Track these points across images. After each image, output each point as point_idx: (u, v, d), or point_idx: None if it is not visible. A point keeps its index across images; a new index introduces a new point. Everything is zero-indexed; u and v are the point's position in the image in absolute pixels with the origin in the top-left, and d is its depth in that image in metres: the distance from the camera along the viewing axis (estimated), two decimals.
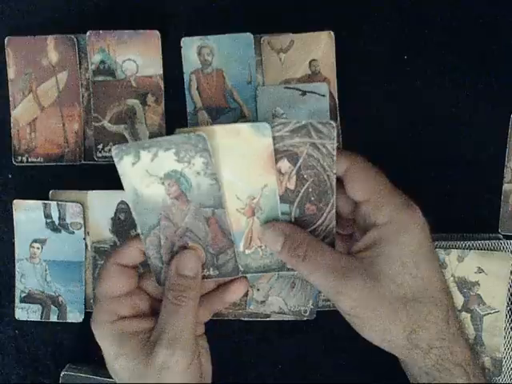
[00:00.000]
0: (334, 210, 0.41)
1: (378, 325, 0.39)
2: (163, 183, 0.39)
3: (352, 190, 0.41)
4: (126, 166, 0.39)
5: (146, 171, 0.39)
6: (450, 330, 0.39)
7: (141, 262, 0.42)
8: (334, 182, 0.40)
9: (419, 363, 0.39)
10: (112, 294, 0.42)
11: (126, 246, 0.42)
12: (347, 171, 0.41)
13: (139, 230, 0.41)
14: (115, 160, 0.38)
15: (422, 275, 0.39)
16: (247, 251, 0.42)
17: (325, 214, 0.41)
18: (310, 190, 0.40)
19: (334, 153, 0.39)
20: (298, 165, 0.40)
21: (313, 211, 0.41)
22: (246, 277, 0.45)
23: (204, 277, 0.42)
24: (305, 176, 0.40)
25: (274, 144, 0.39)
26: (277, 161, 0.40)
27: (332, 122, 0.38)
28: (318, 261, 0.39)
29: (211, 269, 0.42)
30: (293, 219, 0.41)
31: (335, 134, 0.39)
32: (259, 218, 0.41)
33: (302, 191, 0.40)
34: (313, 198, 0.40)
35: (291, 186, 0.40)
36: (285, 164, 0.40)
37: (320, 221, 0.41)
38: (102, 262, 0.51)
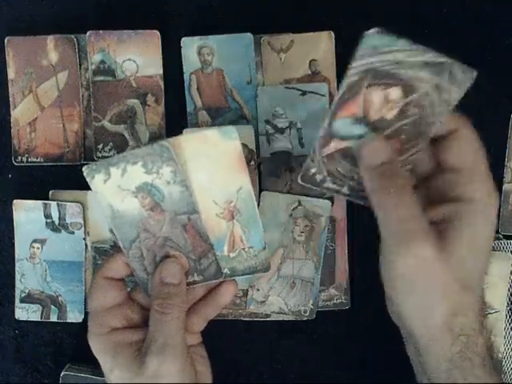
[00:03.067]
0: (414, 157, 0.38)
1: (425, 297, 0.37)
2: (136, 196, 0.40)
3: (451, 154, 0.38)
4: (98, 184, 0.39)
5: (118, 187, 0.39)
6: (480, 321, 0.38)
7: (128, 274, 0.43)
8: (432, 133, 0.37)
9: (445, 348, 0.37)
10: (103, 306, 0.42)
11: (112, 260, 0.43)
12: (455, 132, 0.38)
13: (121, 245, 0.41)
14: (87, 179, 0.39)
15: (480, 266, 0.38)
16: (231, 254, 0.42)
17: (403, 157, 0.38)
18: (405, 127, 0.36)
19: (455, 103, 0.36)
20: (409, 99, 0.36)
21: (395, 147, 0.37)
22: (233, 278, 0.44)
23: (189, 283, 0.43)
24: (409, 112, 0.36)
25: (398, 68, 0.34)
26: (389, 85, 0.35)
27: (474, 70, 0.35)
28: (406, 203, 0.36)
29: (195, 274, 0.42)
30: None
31: (469, 84, 0.35)
32: (239, 220, 0.41)
33: (396, 125, 0.36)
34: (403, 136, 0.37)
35: (388, 116, 0.36)
36: (396, 92, 0.36)
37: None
38: (102, 262, 0.51)
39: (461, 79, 0.35)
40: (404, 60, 0.34)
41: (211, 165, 0.39)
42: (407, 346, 0.41)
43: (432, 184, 0.39)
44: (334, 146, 0.38)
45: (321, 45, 0.50)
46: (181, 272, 0.41)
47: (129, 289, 0.45)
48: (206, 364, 0.44)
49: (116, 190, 0.39)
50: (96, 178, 0.39)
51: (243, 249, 0.42)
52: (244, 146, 0.49)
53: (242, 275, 0.43)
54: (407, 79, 0.35)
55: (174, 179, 0.39)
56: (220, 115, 0.51)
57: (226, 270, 0.43)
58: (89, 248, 0.52)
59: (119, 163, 0.39)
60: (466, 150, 0.38)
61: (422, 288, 0.37)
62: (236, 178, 0.39)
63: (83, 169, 0.39)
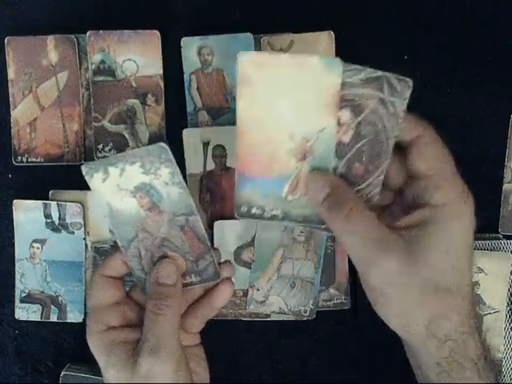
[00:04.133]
0: (382, 176, 0.38)
1: (402, 306, 0.37)
2: (135, 196, 0.40)
3: (417, 161, 0.38)
4: (97, 183, 0.39)
5: (117, 186, 0.39)
6: (469, 323, 0.38)
7: (126, 273, 0.43)
8: (392, 147, 0.37)
9: (432, 353, 0.38)
10: (100, 304, 0.42)
11: (110, 259, 0.43)
12: (418, 139, 0.38)
13: (119, 243, 0.41)
14: (86, 178, 0.39)
15: (460, 267, 0.37)
16: (290, 197, 0.39)
17: (371, 179, 0.38)
18: (364, 148, 0.37)
19: (401, 114, 0.36)
20: (360, 118, 0.36)
21: (360, 172, 0.38)
22: (230, 279, 0.44)
23: (186, 284, 0.42)
24: (363, 132, 0.37)
25: (341, 90, 0.35)
26: (339, 108, 0.36)
27: (409, 80, 0.36)
28: (361, 223, 0.36)
29: (192, 275, 0.42)
30: (337, 175, 0.38)
31: (408, 94, 0.36)
32: (310, 163, 0.37)
33: (355, 147, 0.37)
34: (364, 158, 0.37)
35: (346, 139, 0.37)
36: (346, 114, 0.36)
37: (365, 184, 0.38)
38: (102, 262, 0.51)
39: (400, 90, 0.36)
40: (345, 81, 0.35)
41: (300, 94, 0.35)
42: (404, 345, 0.41)
43: (406, 192, 0.40)
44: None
45: (321, 45, 0.50)
46: (176, 273, 0.41)
47: (127, 288, 0.45)
48: (204, 365, 0.44)
49: (115, 189, 0.39)
50: (95, 177, 0.39)
51: (305, 194, 0.38)
52: None
53: (293, 222, 0.39)
54: (352, 99, 0.36)
55: (172, 180, 0.39)
56: (220, 115, 0.51)
57: (277, 212, 0.39)
58: (89, 248, 0.52)
59: (118, 163, 0.39)
60: (431, 156, 0.38)
61: (396, 299, 0.37)
62: (323, 116, 0.36)
63: (82, 167, 0.39)
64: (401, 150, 0.39)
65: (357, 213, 0.37)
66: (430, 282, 0.37)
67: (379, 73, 0.35)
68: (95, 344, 0.41)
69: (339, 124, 0.36)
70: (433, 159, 0.38)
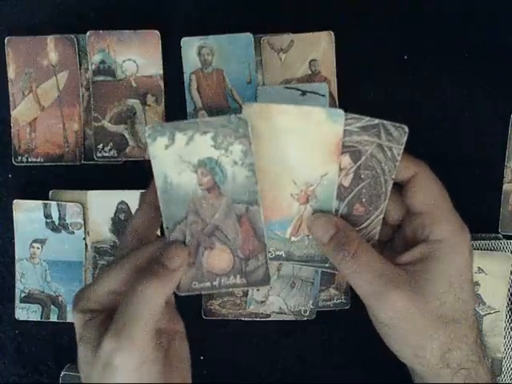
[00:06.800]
0: (382, 216, 0.40)
1: (413, 340, 0.38)
2: (196, 171, 0.36)
3: (414, 199, 0.40)
4: (158, 149, 0.36)
5: (179, 156, 0.36)
6: (477, 352, 0.39)
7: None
8: (390, 188, 0.39)
9: (446, 380, 0.39)
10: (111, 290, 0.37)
11: (151, 246, 0.38)
12: (413, 179, 0.40)
13: (164, 223, 0.37)
14: (148, 141, 0.35)
15: (464, 297, 0.39)
16: (293, 238, 0.40)
17: (372, 217, 0.40)
18: (364, 190, 0.39)
19: (399, 158, 0.38)
20: (359, 163, 0.39)
21: (361, 212, 0.40)
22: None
23: (228, 286, 0.39)
24: (362, 176, 0.39)
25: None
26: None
27: (405, 127, 0.37)
28: (367, 262, 0.38)
29: (238, 276, 0.39)
30: (338, 216, 0.40)
31: (404, 140, 0.38)
32: (312, 206, 0.39)
33: (355, 190, 0.39)
34: (364, 200, 0.39)
35: (346, 183, 0.39)
36: (346, 160, 0.38)
37: (366, 223, 0.40)
38: (102, 262, 0.51)
39: (396, 136, 0.38)
40: (344, 129, 0.37)
41: (305, 142, 0.37)
42: (415, 378, 0.42)
43: (406, 228, 0.41)
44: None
45: (321, 45, 0.50)
46: (185, 260, 0.37)
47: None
48: (186, 362, 0.39)
49: (176, 160, 0.36)
50: (158, 141, 0.35)
51: (307, 236, 0.40)
52: None
53: (297, 262, 0.41)
54: (352, 145, 0.38)
55: (243, 160, 0.36)
56: (220, 115, 0.51)
57: (281, 253, 0.40)
58: (89, 248, 0.52)
59: (188, 129, 0.35)
60: (427, 193, 0.40)
61: (406, 332, 0.38)
62: (326, 162, 0.38)
63: (146, 128, 0.35)
64: (398, 187, 0.40)
65: (362, 252, 0.38)
66: (437, 314, 0.38)
67: (376, 121, 0.38)
68: (75, 313, 0.37)
69: (340, 169, 0.39)
70: (429, 197, 0.40)
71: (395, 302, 0.37)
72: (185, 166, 0.36)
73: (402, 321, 0.38)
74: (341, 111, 0.37)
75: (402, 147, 0.38)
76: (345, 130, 0.37)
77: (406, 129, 0.37)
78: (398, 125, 0.38)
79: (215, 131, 0.36)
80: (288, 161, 0.38)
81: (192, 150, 0.36)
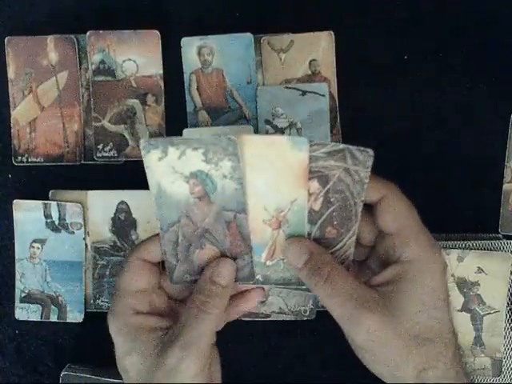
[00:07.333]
0: (354, 237, 0.40)
1: (389, 360, 0.38)
2: (188, 182, 0.39)
3: (383, 220, 0.40)
4: (152, 161, 0.38)
5: (172, 167, 0.38)
6: (455, 369, 0.39)
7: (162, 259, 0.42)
8: (360, 210, 0.39)
9: None
10: (132, 288, 0.41)
11: (149, 242, 0.41)
12: (382, 200, 0.40)
13: (158, 225, 0.40)
14: (142, 153, 0.38)
15: (438, 316, 0.39)
16: (269, 262, 0.41)
17: (345, 240, 0.40)
18: (335, 213, 0.40)
19: (366, 181, 0.38)
20: (327, 187, 0.39)
21: (333, 235, 0.40)
22: (263, 288, 0.44)
23: None
24: (332, 199, 0.39)
25: (308, 163, 0.38)
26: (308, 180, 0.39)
27: (370, 151, 0.38)
28: (340, 285, 0.38)
29: None
30: (311, 240, 0.41)
31: (371, 163, 0.38)
32: (285, 231, 0.40)
33: (326, 214, 0.40)
34: (335, 222, 0.40)
35: (316, 207, 0.40)
36: (314, 185, 0.39)
37: (339, 245, 0.41)
38: (102, 262, 0.51)
39: (362, 159, 0.38)
40: (310, 155, 0.38)
41: (272, 171, 0.38)
42: None
43: (379, 249, 0.41)
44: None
45: (321, 45, 0.50)
46: (232, 275, 0.41)
47: None
48: (218, 365, 0.44)
49: (169, 171, 0.38)
50: (151, 153, 0.37)
51: (282, 259, 0.41)
52: None
53: (274, 285, 0.42)
54: (319, 171, 0.39)
55: (232, 175, 0.38)
56: (220, 115, 0.51)
57: (258, 277, 0.42)
58: (89, 248, 0.52)
59: (180, 145, 0.37)
60: (396, 215, 0.40)
61: (382, 354, 0.39)
62: (294, 189, 0.39)
63: (141, 141, 0.37)
64: (371, 208, 0.40)
65: (335, 275, 0.39)
66: (411, 334, 0.38)
67: (341, 146, 0.38)
68: (119, 327, 0.40)
69: (309, 194, 0.39)
70: (397, 218, 0.40)
71: (368, 324, 0.37)
72: (177, 177, 0.38)
73: (376, 343, 0.38)
74: (304, 139, 0.37)
75: (369, 170, 0.38)
76: (311, 156, 0.38)
77: (371, 152, 0.38)
78: (362, 149, 0.38)
79: (206, 148, 0.37)
80: (258, 188, 0.39)
81: (184, 163, 0.38)
